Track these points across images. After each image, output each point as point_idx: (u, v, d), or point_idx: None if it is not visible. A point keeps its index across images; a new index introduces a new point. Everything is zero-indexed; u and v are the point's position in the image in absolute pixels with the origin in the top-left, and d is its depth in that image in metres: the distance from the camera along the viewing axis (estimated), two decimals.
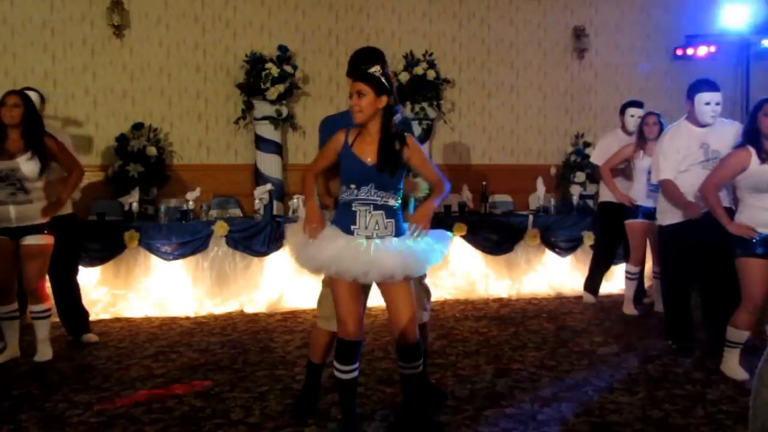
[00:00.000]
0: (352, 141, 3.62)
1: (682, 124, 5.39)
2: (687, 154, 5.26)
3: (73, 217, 5.85)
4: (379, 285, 3.62)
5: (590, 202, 8.35)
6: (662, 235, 5.57)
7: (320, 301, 4.04)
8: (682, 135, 5.33)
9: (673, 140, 5.35)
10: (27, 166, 5.01)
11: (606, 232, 7.11)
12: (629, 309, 6.76)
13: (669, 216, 5.38)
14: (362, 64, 3.85)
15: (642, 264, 6.81)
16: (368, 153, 3.58)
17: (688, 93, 5.33)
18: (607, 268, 7.32)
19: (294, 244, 3.68)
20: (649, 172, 6.45)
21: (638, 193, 6.55)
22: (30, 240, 5.10)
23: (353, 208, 3.55)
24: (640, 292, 7.04)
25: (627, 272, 6.83)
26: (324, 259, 3.50)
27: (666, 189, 5.35)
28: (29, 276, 5.17)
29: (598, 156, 7.03)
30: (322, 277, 3.98)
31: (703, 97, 5.19)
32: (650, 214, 6.50)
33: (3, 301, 5.17)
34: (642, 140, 6.47)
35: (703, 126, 5.25)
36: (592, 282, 7.27)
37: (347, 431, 3.71)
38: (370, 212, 3.55)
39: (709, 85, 5.24)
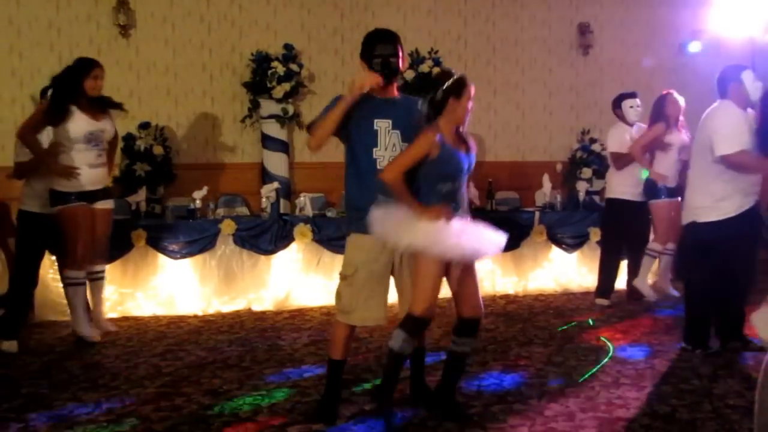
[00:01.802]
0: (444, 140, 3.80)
1: (730, 104, 5.09)
2: (747, 134, 4.99)
3: None
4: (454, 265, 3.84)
5: (597, 198, 8.35)
6: (699, 233, 5.15)
7: (340, 295, 3.95)
8: (738, 114, 5.03)
9: (737, 115, 5.01)
10: (110, 128, 5.57)
11: (613, 229, 7.04)
12: (644, 286, 6.81)
13: (712, 213, 5.02)
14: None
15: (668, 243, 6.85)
16: (457, 144, 3.81)
17: (733, 75, 5.11)
18: (617, 268, 7.13)
19: (424, 236, 3.72)
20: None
21: (668, 169, 6.62)
22: (105, 203, 5.58)
23: (458, 198, 3.79)
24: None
25: (650, 249, 6.86)
26: (456, 242, 3.67)
27: (742, 161, 4.88)
28: (103, 238, 5.67)
29: (616, 145, 6.91)
30: (337, 271, 4.04)
31: (750, 74, 5.09)
32: (673, 191, 6.59)
33: (93, 261, 5.61)
34: (667, 119, 6.57)
35: (746, 108, 5.08)
36: (604, 285, 7.04)
37: (385, 401, 3.87)
38: (463, 198, 3.83)
39: (747, 67, 5.23)
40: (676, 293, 6.86)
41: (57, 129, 5.36)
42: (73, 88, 5.38)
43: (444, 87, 3.78)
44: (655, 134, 6.59)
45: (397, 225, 3.66)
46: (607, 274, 7.04)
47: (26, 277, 5.59)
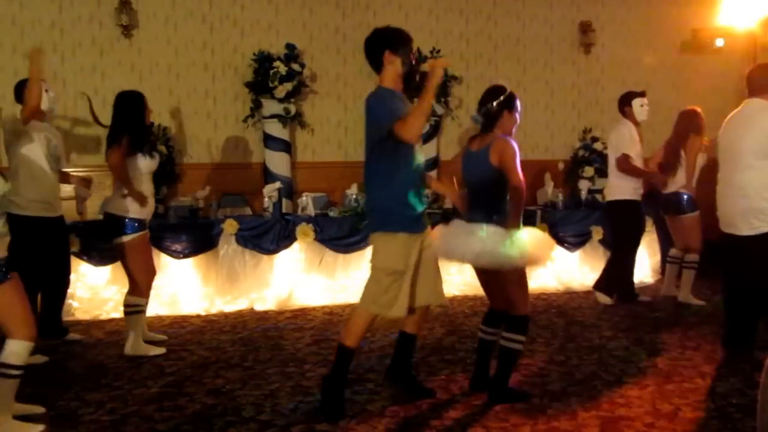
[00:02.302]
0: None
1: None
2: None
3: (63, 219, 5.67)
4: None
5: (599, 197, 8.34)
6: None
7: (386, 289, 3.97)
8: None
9: None
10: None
11: (622, 231, 6.96)
12: (691, 299, 6.84)
13: None
14: None
15: None
16: None
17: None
18: (633, 268, 7.11)
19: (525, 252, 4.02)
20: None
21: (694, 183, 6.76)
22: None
23: None
24: (631, 291, 7.06)
25: (689, 262, 6.89)
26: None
27: None
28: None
29: (629, 146, 6.79)
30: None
31: None
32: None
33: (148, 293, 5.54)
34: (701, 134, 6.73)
35: None
36: (608, 284, 6.96)
37: (506, 389, 4.22)
38: None
39: None
40: (701, 303, 6.83)
41: (129, 159, 5.27)
42: (143, 116, 5.44)
43: (500, 101, 4.21)
44: (700, 150, 6.71)
45: (494, 247, 3.92)
46: (621, 274, 6.97)
47: (35, 285, 5.21)
